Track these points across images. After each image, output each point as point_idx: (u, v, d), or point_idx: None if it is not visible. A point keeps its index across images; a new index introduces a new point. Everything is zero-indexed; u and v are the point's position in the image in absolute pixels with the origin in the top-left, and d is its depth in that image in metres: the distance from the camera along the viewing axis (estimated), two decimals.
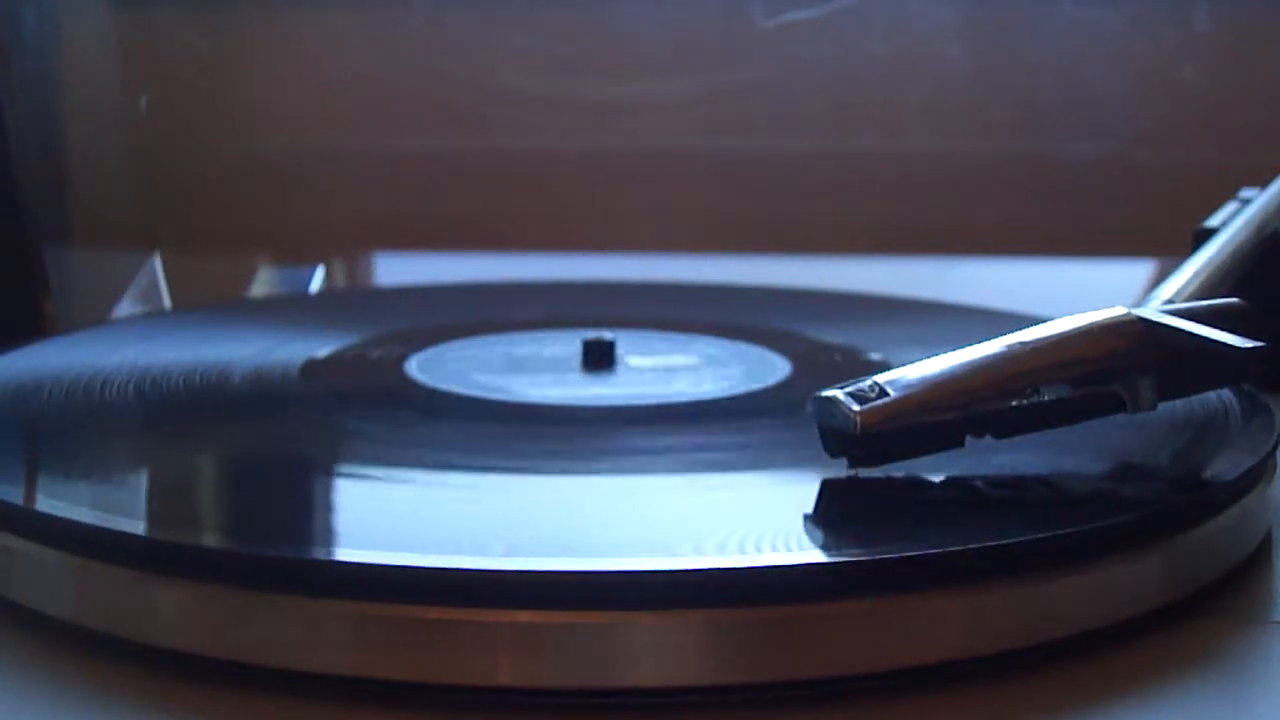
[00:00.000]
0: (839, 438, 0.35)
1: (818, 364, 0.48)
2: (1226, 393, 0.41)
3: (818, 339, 0.51)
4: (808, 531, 0.33)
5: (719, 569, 0.30)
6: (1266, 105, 0.71)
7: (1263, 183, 0.49)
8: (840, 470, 0.35)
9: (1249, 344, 0.34)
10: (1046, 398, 0.36)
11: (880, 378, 0.35)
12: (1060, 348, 0.36)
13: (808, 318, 0.53)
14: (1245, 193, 0.49)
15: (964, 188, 0.72)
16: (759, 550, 0.32)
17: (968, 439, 0.35)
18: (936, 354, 0.36)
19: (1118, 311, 0.36)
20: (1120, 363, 0.36)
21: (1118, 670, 0.31)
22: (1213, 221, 0.47)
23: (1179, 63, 0.72)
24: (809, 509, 0.34)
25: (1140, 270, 0.67)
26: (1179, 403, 0.38)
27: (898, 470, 0.35)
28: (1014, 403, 0.35)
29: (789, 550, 0.32)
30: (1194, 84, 0.72)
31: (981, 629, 0.31)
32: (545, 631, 0.29)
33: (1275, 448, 0.38)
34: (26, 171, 0.55)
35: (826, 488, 0.35)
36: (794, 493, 0.36)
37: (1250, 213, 0.46)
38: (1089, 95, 0.73)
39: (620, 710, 0.29)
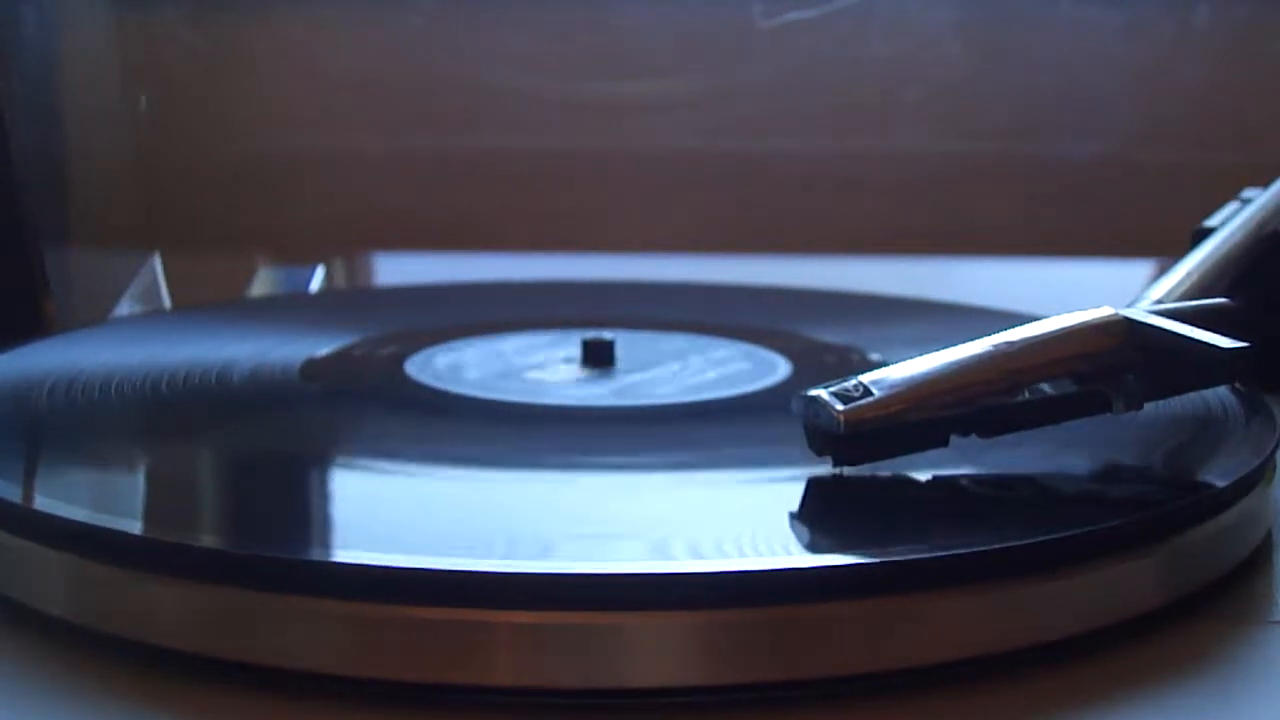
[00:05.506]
0: (824, 437, 0.35)
1: (818, 364, 0.48)
2: (1226, 393, 0.41)
3: (818, 339, 0.51)
4: (798, 532, 0.33)
5: (718, 570, 0.30)
6: (1266, 105, 0.71)
7: (1263, 183, 0.48)
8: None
9: (1233, 344, 0.34)
10: (1032, 397, 0.36)
11: (865, 377, 0.35)
12: (1046, 347, 0.36)
13: (808, 318, 0.53)
14: (1246, 193, 0.49)
15: (964, 188, 0.72)
16: (758, 551, 0.32)
17: (953, 438, 0.35)
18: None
19: (1104, 311, 0.36)
20: (1106, 362, 0.36)
21: (1118, 670, 0.31)
22: (1213, 221, 0.47)
23: (1179, 63, 0.72)
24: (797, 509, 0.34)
25: (1140, 270, 0.67)
26: (1178, 403, 0.38)
27: (885, 469, 0.35)
28: (999, 402, 0.35)
29: (788, 551, 0.32)
30: (1194, 84, 0.72)
31: (981, 629, 0.31)
32: (545, 631, 0.29)
33: (1275, 448, 0.38)
34: (26, 171, 0.55)
35: (813, 486, 0.35)
36: (794, 493, 0.35)
37: (1247, 213, 0.46)
38: (1089, 95, 0.72)
39: (620, 710, 0.29)
